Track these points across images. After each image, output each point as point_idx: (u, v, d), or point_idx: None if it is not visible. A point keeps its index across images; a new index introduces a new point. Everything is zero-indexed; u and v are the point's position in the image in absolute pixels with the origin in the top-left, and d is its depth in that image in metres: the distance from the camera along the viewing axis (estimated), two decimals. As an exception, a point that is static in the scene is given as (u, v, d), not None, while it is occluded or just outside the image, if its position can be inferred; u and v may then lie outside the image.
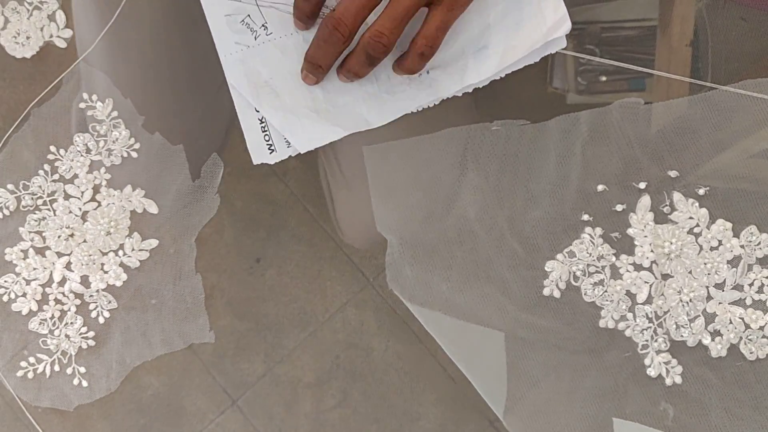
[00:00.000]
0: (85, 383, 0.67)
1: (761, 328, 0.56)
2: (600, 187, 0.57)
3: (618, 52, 0.97)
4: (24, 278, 0.65)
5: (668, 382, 0.56)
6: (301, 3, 0.52)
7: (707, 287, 0.57)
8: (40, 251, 0.65)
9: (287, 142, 0.55)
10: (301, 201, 0.97)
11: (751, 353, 0.56)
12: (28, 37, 0.78)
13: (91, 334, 0.66)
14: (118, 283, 0.65)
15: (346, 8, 0.48)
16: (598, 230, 0.58)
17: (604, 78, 0.95)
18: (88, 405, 0.90)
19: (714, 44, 0.95)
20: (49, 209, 0.65)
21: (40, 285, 0.65)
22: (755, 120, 0.56)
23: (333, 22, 0.49)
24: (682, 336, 0.56)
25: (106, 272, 0.65)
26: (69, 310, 0.65)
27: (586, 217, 0.57)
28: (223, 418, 0.96)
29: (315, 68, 0.53)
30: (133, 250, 0.65)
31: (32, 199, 0.65)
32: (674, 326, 0.56)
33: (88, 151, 0.66)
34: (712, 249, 0.57)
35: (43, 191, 0.65)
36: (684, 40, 0.82)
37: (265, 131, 0.56)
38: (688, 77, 0.81)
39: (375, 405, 0.95)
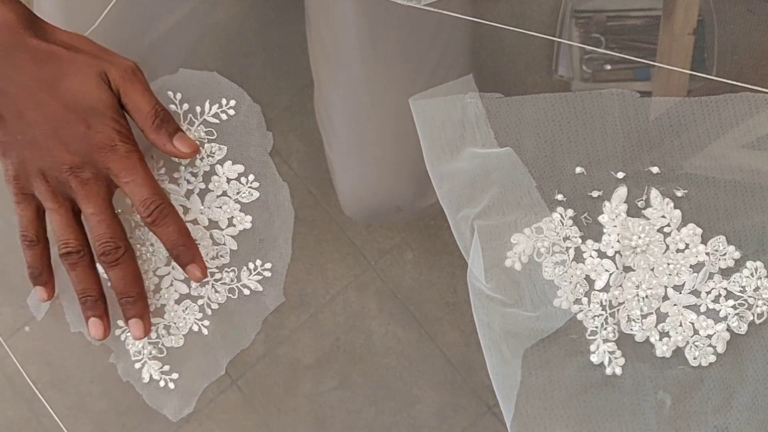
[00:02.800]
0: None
1: (709, 336, 0.59)
2: (578, 170, 0.60)
3: (623, 41, 1.00)
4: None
5: (608, 371, 0.59)
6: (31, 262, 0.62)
7: (666, 287, 0.60)
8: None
9: None
10: (305, 183, 1.00)
11: (694, 359, 0.59)
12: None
13: None
14: None
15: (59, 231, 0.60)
16: (570, 212, 0.61)
17: (609, 66, 0.98)
18: (87, 382, 0.95)
19: (720, 35, 0.97)
20: None
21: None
22: (746, 111, 0.59)
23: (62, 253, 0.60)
24: (631, 329, 0.59)
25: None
26: None
27: (560, 197, 0.60)
28: (222, 398, 1.00)
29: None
30: None
31: None
32: (626, 319, 0.59)
33: None
34: (678, 251, 0.60)
35: None
36: (687, 28, 0.84)
37: None
38: (689, 66, 0.83)
39: (374, 387, 0.98)
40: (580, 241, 0.61)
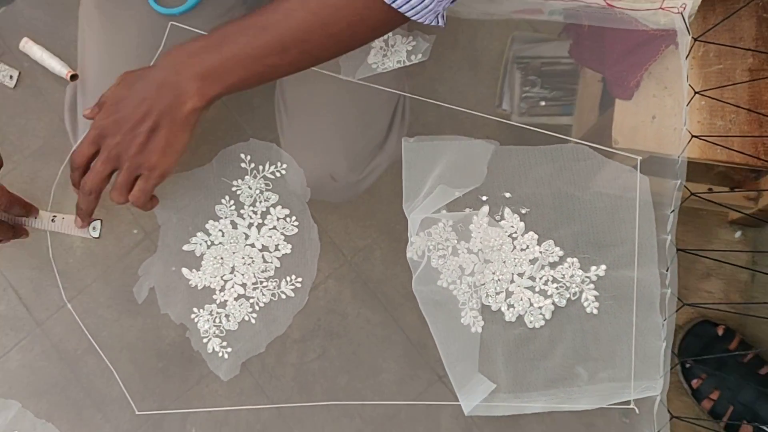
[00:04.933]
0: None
1: (540, 308, 0.75)
2: (457, 193, 0.76)
3: (555, 82, 1.11)
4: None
5: (473, 330, 0.75)
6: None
7: (513, 274, 0.75)
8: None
9: None
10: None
11: (530, 323, 0.75)
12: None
13: None
14: None
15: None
16: (450, 222, 0.75)
17: (543, 103, 1.08)
18: (117, 349, 1.01)
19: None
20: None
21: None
22: (572, 158, 0.74)
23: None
24: (489, 302, 0.75)
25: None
26: None
27: (444, 211, 0.76)
28: (226, 365, 1.02)
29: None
30: None
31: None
32: (485, 295, 0.75)
33: None
34: (521, 250, 0.76)
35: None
36: (596, 77, 0.97)
37: None
38: (597, 106, 0.94)
39: (347, 359, 1.04)
40: (456, 241, 0.76)
